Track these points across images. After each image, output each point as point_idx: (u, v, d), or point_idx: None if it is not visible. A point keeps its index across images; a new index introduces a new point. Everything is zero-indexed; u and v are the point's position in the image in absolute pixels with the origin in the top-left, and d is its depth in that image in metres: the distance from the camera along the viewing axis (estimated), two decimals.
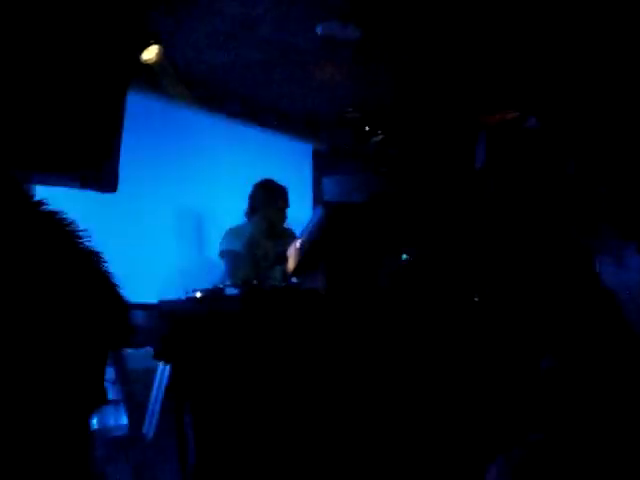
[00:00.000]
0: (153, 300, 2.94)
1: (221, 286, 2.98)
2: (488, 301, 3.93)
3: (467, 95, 5.48)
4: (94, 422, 3.43)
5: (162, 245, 5.11)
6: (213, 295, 2.92)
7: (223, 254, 4.46)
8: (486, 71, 4.97)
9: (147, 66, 4.16)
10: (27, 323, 0.61)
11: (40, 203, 0.70)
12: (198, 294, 2.98)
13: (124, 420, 3.20)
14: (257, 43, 4.54)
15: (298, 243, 3.38)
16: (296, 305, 2.72)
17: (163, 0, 3.78)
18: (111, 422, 3.29)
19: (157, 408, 3.03)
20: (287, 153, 6.52)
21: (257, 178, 4.85)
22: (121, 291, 0.73)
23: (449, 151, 5.95)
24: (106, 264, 0.72)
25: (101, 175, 2.67)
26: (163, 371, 3.00)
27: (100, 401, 0.72)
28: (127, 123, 3.24)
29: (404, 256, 3.75)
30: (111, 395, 3.32)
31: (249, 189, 4.76)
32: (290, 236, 4.26)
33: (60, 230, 0.69)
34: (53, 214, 0.69)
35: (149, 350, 2.80)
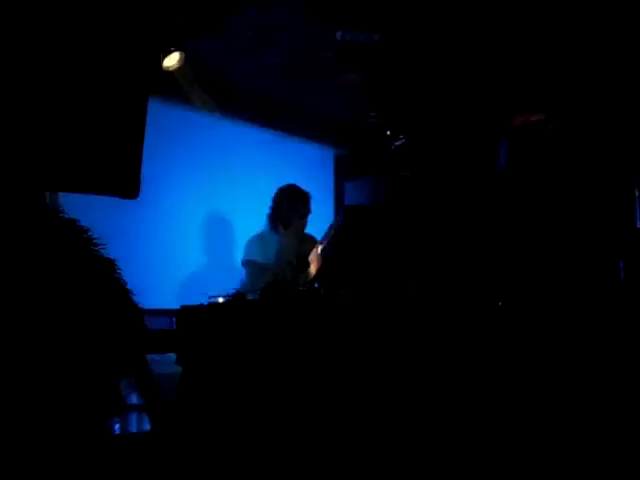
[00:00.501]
0: (175, 306, 2.95)
1: (242, 291, 2.98)
2: (511, 305, 3.90)
3: (490, 98, 5.44)
4: (116, 428, 3.45)
5: (183, 251, 5.13)
6: (235, 300, 2.92)
7: (245, 264, 4.45)
8: (509, 73, 4.94)
9: (169, 73, 4.18)
10: (41, 329, 0.61)
11: (58, 212, 0.70)
12: (220, 299, 2.99)
13: (147, 426, 3.21)
14: (278, 49, 4.56)
15: (320, 248, 3.38)
16: (318, 310, 2.72)
17: (185, 8, 3.81)
18: (134, 428, 3.30)
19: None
20: (309, 158, 6.53)
21: (278, 183, 4.85)
22: (134, 298, 0.74)
23: (472, 154, 5.92)
24: (120, 271, 0.73)
25: (123, 181, 2.68)
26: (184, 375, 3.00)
27: (117, 406, 0.72)
28: (149, 129, 3.26)
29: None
30: (134, 401, 3.33)
31: (271, 194, 4.75)
32: (311, 242, 4.25)
33: (77, 238, 0.69)
34: (70, 222, 0.70)
35: (172, 356, 2.81)
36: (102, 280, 0.69)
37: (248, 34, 4.37)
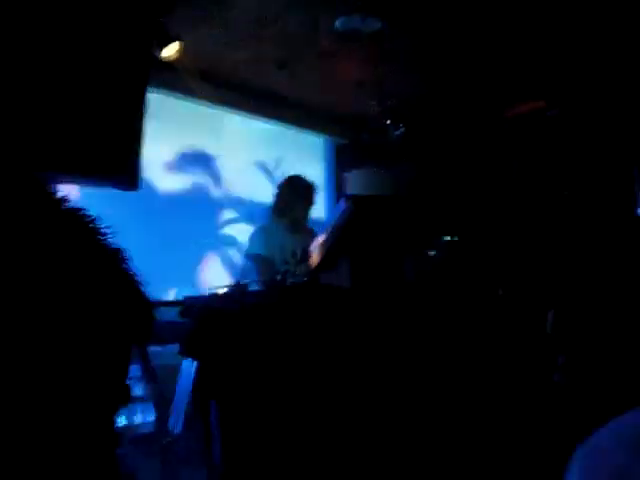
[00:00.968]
0: (177, 297, 2.94)
1: (244, 282, 2.97)
2: (512, 295, 3.89)
3: (490, 86, 5.43)
4: (122, 419, 3.45)
5: (181, 242, 5.11)
6: (237, 291, 2.91)
7: (250, 257, 4.44)
8: (509, 60, 4.92)
9: (168, 63, 4.16)
10: (49, 320, 0.60)
11: (63, 200, 0.69)
12: (222, 290, 2.98)
13: (152, 417, 3.22)
14: (277, 38, 4.54)
15: (321, 238, 3.37)
16: (319, 301, 2.71)
17: None
18: (139, 419, 3.30)
19: (183, 405, 3.04)
20: (307, 147, 6.51)
21: (278, 172, 4.84)
22: (144, 288, 0.72)
23: (472, 144, 5.91)
24: (129, 261, 0.72)
25: (123, 173, 2.67)
26: (188, 367, 3.01)
27: (124, 399, 0.71)
28: (148, 120, 3.25)
29: (431, 252, 3.72)
30: (138, 392, 3.33)
31: (269, 183, 4.74)
32: (310, 232, 4.24)
33: (83, 227, 0.68)
34: (76, 211, 0.68)
35: (176, 347, 2.81)
36: (110, 270, 0.67)
37: (247, 23, 4.35)
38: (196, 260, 5.29)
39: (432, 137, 6.29)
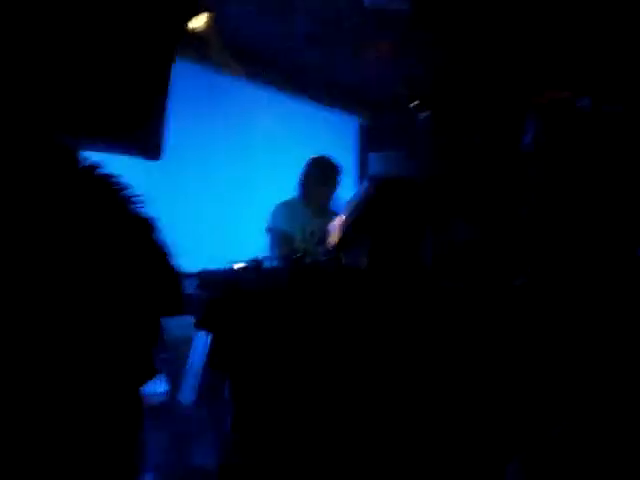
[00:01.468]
0: (191, 269, 2.94)
1: (261, 258, 2.96)
2: (531, 285, 3.85)
3: (519, 72, 5.35)
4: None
5: (205, 216, 5.11)
6: (253, 266, 2.91)
7: (269, 231, 4.43)
8: (539, 47, 4.84)
9: (196, 34, 4.14)
10: (79, 290, 0.59)
11: (94, 167, 0.67)
12: (239, 265, 2.98)
13: (163, 388, 3.23)
14: (306, 15, 4.49)
15: (341, 218, 3.35)
16: (336, 280, 2.70)
17: None
18: (150, 389, 3.30)
19: (194, 376, 3.05)
20: (333, 127, 6.47)
21: (301, 151, 4.81)
22: (173, 259, 0.70)
23: (498, 129, 5.84)
24: (160, 231, 0.69)
25: (146, 142, 2.66)
26: (200, 340, 3.01)
27: (150, 371, 0.69)
28: (174, 92, 3.23)
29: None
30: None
31: (293, 161, 4.72)
32: (332, 215, 4.23)
33: (114, 195, 0.66)
34: (107, 178, 0.66)
35: (187, 319, 2.81)
36: (140, 240, 0.65)
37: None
38: (214, 234, 5.29)
39: (457, 121, 6.23)
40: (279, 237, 4.28)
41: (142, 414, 0.70)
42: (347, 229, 3.17)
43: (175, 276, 0.69)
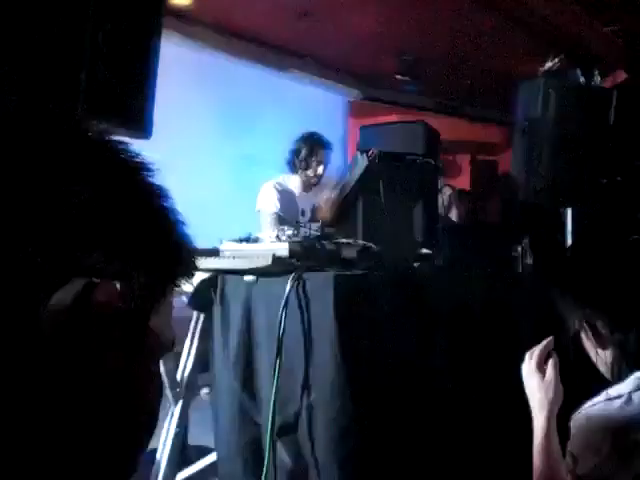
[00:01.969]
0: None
1: (255, 237, 2.94)
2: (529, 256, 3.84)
3: (506, 45, 5.31)
4: None
5: (196, 195, 5.08)
6: (247, 244, 2.88)
7: (259, 212, 4.40)
8: (530, 18, 4.80)
9: (180, 11, 4.09)
10: (83, 255, 0.57)
11: (106, 132, 0.64)
12: (232, 243, 2.95)
13: (159, 369, 3.21)
14: None
15: (333, 192, 3.33)
16: (329, 255, 2.68)
17: None
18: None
19: (191, 357, 3.04)
20: (322, 102, 6.43)
21: (290, 126, 4.77)
22: (187, 229, 0.68)
23: (486, 103, 5.81)
24: (173, 201, 0.67)
25: (135, 121, 2.62)
26: (197, 319, 3.00)
27: (165, 346, 0.67)
28: (160, 70, 3.18)
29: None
30: None
31: (282, 137, 4.68)
32: (323, 190, 4.20)
33: (126, 161, 0.63)
34: (117, 144, 0.64)
35: (181, 300, 2.79)
36: (154, 209, 0.63)
37: None
38: (208, 213, 5.26)
39: (447, 96, 6.20)
40: (269, 218, 4.25)
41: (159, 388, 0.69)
42: (339, 204, 3.16)
43: (186, 245, 0.67)
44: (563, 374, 1.57)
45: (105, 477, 0.59)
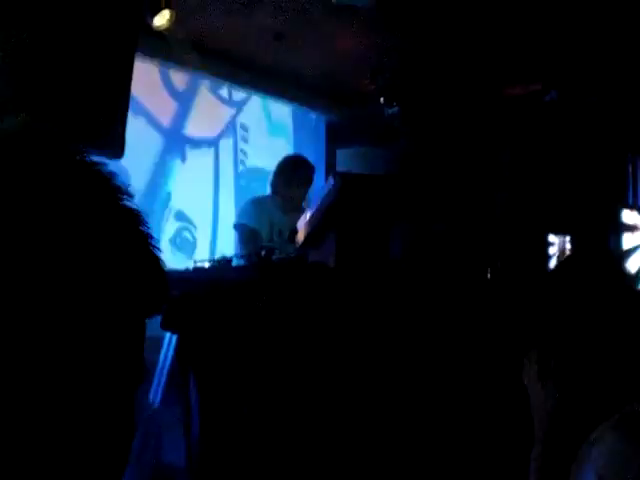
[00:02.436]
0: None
1: (229, 257, 2.94)
2: (500, 277, 3.88)
3: (487, 66, 5.37)
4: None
5: (171, 215, 5.08)
6: (220, 266, 2.88)
7: (237, 227, 4.42)
8: (508, 41, 4.86)
9: (159, 32, 4.10)
10: (64, 285, 0.56)
11: (79, 152, 0.64)
12: (206, 264, 2.96)
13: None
14: (271, 10, 4.46)
15: (308, 215, 3.34)
16: (302, 277, 2.69)
17: None
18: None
19: (164, 377, 3.02)
20: (300, 123, 6.45)
21: (268, 147, 4.80)
22: (160, 256, 0.67)
23: (467, 124, 5.86)
24: (148, 226, 0.66)
25: (107, 141, 2.62)
26: (170, 340, 2.99)
27: (141, 375, 0.67)
28: (138, 90, 3.19)
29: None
30: None
31: (261, 159, 4.71)
32: (303, 212, 4.22)
33: (102, 183, 0.63)
34: (93, 165, 0.63)
35: (157, 319, 2.78)
36: (129, 234, 0.63)
37: None
38: (180, 233, 5.25)
39: (426, 116, 6.24)
40: (246, 234, 4.26)
41: (135, 419, 0.68)
42: (314, 227, 3.17)
43: (161, 272, 0.66)
44: None
45: None
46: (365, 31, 4.76)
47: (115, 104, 2.71)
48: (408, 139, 5.86)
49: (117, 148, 2.64)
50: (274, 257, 2.87)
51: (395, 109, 6.13)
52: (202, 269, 2.89)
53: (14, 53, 2.45)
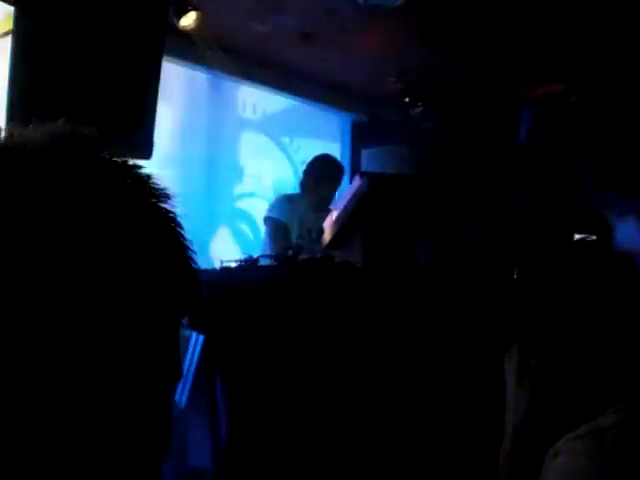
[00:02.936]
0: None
1: (255, 257, 2.94)
2: (527, 278, 3.84)
3: (513, 66, 5.33)
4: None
5: (198, 215, 5.09)
6: (247, 265, 2.88)
7: (267, 220, 4.43)
8: (533, 40, 4.81)
9: (184, 33, 4.11)
10: (100, 288, 0.56)
11: (117, 155, 0.64)
12: (232, 264, 2.95)
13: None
14: (297, 11, 4.46)
15: (335, 215, 3.33)
16: (330, 277, 2.68)
17: None
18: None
19: (190, 377, 3.02)
20: (325, 123, 6.45)
21: (294, 148, 4.80)
22: (195, 258, 0.68)
23: (494, 124, 5.82)
24: (184, 229, 0.67)
25: (136, 142, 2.64)
26: (196, 340, 2.99)
27: (178, 373, 0.67)
28: (165, 91, 3.19)
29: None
30: None
31: (286, 159, 4.72)
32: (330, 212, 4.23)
33: (141, 186, 0.63)
34: (131, 168, 0.64)
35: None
36: (166, 237, 0.63)
37: None
38: (208, 233, 5.26)
39: (447, 116, 6.21)
40: (276, 228, 4.28)
41: (171, 416, 0.68)
42: (340, 227, 3.16)
43: (195, 273, 0.67)
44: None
45: None
46: (391, 31, 4.74)
47: (143, 105, 2.72)
48: (434, 139, 5.84)
49: (146, 149, 2.65)
50: (301, 257, 2.86)
51: (420, 109, 6.11)
52: (229, 269, 2.89)
53: (45, 57, 2.47)
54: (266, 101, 5.80)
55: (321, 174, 4.49)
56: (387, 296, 2.69)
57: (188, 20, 4.03)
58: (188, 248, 0.66)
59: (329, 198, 4.49)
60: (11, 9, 2.54)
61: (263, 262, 3.01)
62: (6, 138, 0.60)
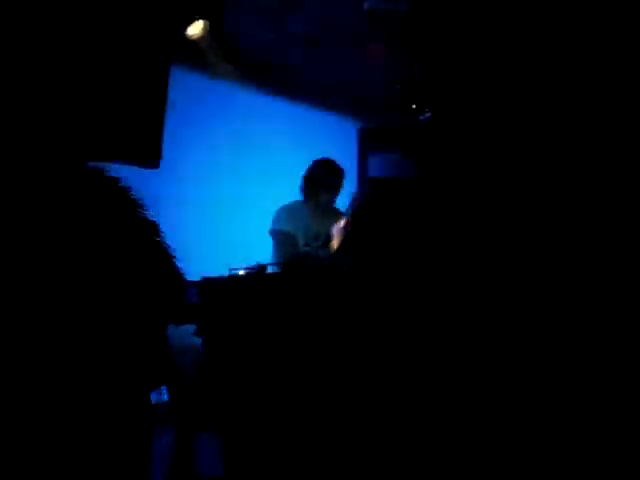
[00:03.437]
0: (194, 278, 2.93)
1: (263, 264, 2.95)
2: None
3: (517, 72, 5.32)
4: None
5: (205, 222, 5.10)
6: (256, 273, 2.89)
7: (272, 233, 4.43)
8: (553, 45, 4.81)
9: (193, 41, 4.13)
10: (85, 294, 0.58)
11: (101, 170, 0.66)
12: (241, 272, 2.96)
13: (165, 397, 3.21)
14: (304, 18, 4.49)
15: (343, 221, 3.33)
16: (338, 284, 2.68)
17: None
18: (152, 399, 3.27)
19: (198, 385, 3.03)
20: (332, 130, 6.45)
21: (300, 154, 4.80)
22: (178, 265, 0.69)
23: (499, 129, 5.81)
24: (164, 237, 0.68)
25: (144, 150, 2.65)
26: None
27: (161, 375, 0.68)
28: (173, 99, 3.21)
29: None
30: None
31: (292, 164, 4.72)
32: (338, 215, 4.22)
33: (121, 198, 0.65)
34: (114, 181, 0.65)
35: (189, 327, 2.80)
36: (148, 244, 0.64)
37: (273, 3, 4.30)
38: (216, 240, 5.27)
39: (458, 122, 6.20)
40: (283, 239, 4.28)
41: (153, 419, 0.69)
42: (347, 233, 3.16)
43: (179, 280, 0.68)
44: None
45: None
46: (397, 37, 4.76)
47: (151, 113, 2.74)
48: (439, 144, 5.83)
49: (154, 158, 2.67)
50: (309, 264, 2.86)
51: (426, 115, 6.11)
52: (238, 276, 2.90)
53: (52, 64, 2.49)
54: (272, 108, 5.81)
55: (320, 178, 4.48)
56: (397, 303, 2.68)
57: (195, 29, 4.06)
58: (170, 255, 0.68)
59: (330, 202, 4.48)
60: None
61: (271, 269, 3.02)
62: None
